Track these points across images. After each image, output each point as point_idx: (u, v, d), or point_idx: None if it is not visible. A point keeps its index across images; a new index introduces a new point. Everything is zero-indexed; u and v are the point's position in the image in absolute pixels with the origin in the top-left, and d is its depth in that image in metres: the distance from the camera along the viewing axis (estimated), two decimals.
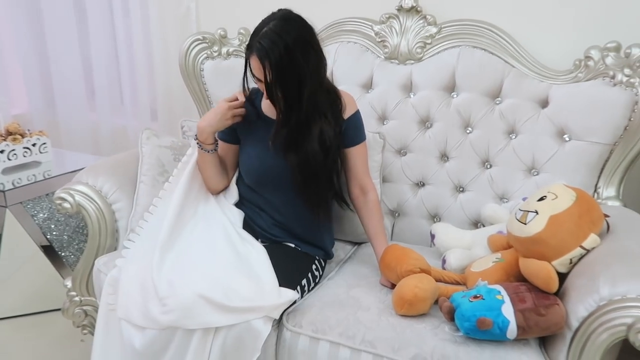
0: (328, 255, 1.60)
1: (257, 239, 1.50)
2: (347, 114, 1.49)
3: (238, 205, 1.59)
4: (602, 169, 1.56)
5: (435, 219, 1.77)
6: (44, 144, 2.25)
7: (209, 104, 2.02)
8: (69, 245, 2.14)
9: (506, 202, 1.67)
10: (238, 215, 1.55)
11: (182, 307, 1.21)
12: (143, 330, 1.25)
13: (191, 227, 1.48)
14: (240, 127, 1.54)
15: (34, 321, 2.13)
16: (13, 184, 2.04)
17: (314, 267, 1.50)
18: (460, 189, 1.74)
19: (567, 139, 1.59)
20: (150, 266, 1.31)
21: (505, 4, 1.73)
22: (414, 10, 1.76)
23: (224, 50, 1.98)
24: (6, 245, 2.08)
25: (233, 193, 1.60)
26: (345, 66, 1.84)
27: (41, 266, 2.09)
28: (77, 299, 1.70)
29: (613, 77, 1.51)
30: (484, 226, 1.66)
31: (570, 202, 1.23)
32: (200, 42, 1.95)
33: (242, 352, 1.24)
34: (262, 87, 1.36)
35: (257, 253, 1.41)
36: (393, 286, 1.37)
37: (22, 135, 2.20)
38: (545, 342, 1.21)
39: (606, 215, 1.27)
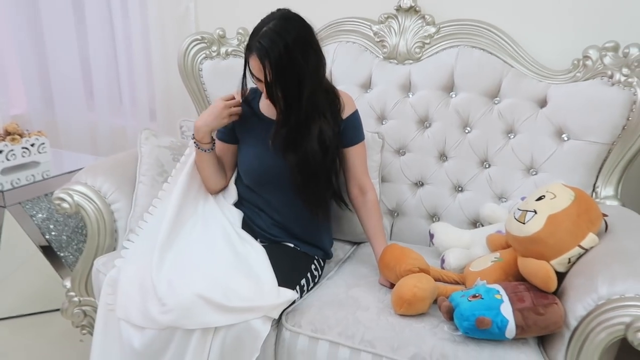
0: (327, 255, 1.60)
1: (256, 238, 1.50)
2: (345, 114, 1.49)
3: (237, 205, 1.59)
4: (601, 168, 1.56)
5: (434, 219, 1.77)
6: (43, 144, 2.25)
7: (208, 104, 2.01)
8: (67, 245, 2.14)
9: (505, 201, 1.67)
10: (237, 215, 1.55)
11: (181, 307, 1.21)
12: (142, 330, 1.25)
13: (190, 227, 1.48)
14: (238, 127, 1.54)
15: (33, 321, 2.12)
16: (12, 184, 2.03)
17: (313, 267, 1.50)
18: (459, 188, 1.74)
19: (566, 138, 1.59)
20: (149, 266, 1.31)
21: (504, 4, 1.73)
22: (412, 10, 1.77)
23: (222, 50, 1.98)
24: (5, 246, 2.07)
25: (232, 193, 1.59)
26: (344, 66, 1.84)
27: (40, 266, 2.09)
28: (76, 299, 1.70)
29: (611, 77, 1.51)
30: (482, 226, 1.66)
31: (569, 202, 1.23)
32: (199, 42, 1.95)
33: (241, 352, 1.24)
34: (261, 87, 1.36)
35: (256, 253, 1.41)
36: (392, 286, 1.37)
37: (21, 136, 2.20)
38: (544, 341, 1.21)
39: (605, 215, 1.27)
